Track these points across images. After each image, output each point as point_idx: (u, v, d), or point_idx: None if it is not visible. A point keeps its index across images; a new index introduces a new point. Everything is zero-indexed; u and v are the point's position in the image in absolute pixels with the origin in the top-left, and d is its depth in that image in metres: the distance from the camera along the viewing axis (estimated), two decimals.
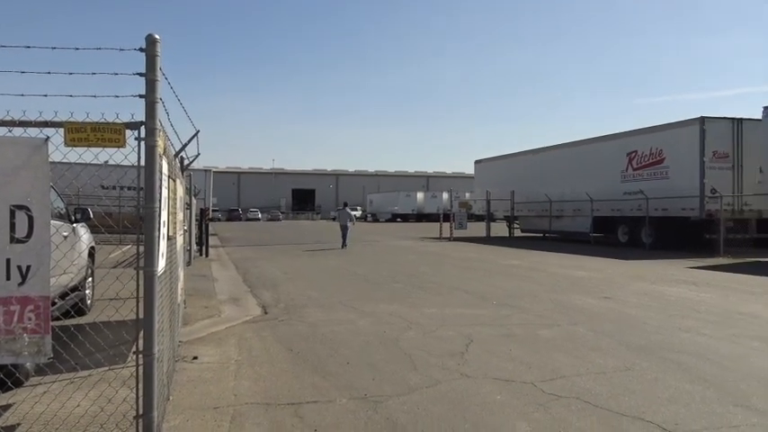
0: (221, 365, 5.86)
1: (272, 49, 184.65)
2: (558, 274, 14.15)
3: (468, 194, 48.90)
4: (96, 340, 5.39)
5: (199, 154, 8.02)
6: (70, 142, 3.31)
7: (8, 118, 3.30)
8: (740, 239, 20.45)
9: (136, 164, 3.42)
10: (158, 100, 3.39)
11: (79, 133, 3.31)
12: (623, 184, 24.05)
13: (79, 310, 7.29)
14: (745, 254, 19.38)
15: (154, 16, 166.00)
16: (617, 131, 25.35)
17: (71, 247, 7.09)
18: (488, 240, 29.06)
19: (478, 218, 36.70)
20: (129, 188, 22.14)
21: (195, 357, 6.12)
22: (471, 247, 24.72)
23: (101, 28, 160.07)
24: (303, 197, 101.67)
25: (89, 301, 8.47)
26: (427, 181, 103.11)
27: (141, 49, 3.32)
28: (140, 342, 3.48)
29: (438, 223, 32.79)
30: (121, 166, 3.62)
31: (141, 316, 3.47)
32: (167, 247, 4.42)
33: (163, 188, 3.77)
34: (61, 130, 3.31)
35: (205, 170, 33.22)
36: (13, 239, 3.25)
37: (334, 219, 69.97)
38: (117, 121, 3.39)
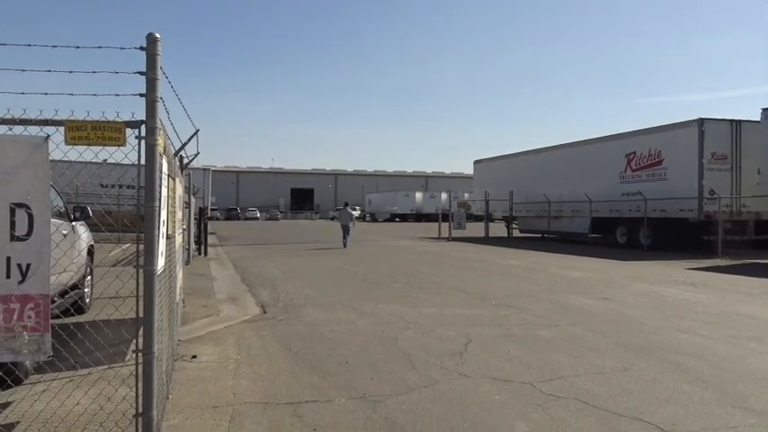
0: (220, 364, 5.87)
1: (272, 49, 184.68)
2: (557, 274, 14.17)
3: (466, 195, 48.90)
4: (96, 338, 5.39)
5: (198, 153, 8.04)
6: (71, 141, 3.31)
7: (9, 116, 3.30)
8: (738, 241, 20.48)
9: (136, 162, 3.43)
10: (159, 99, 3.39)
11: (80, 132, 3.31)
12: (622, 185, 24.07)
13: (79, 308, 7.29)
14: (743, 255, 19.40)
15: (153, 16, 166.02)
16: (616, 132, 25.44)
17: (71, 245, 7.09)
18: (487, 240, 29.08)
19: (477, 218, 36.69)
20: (128, 186, 22.12)
21: (194, 356, 6.12)
22: (470, 247, 24.73)
23: (100, 28, 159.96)
24: (302, 197, 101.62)
25: (88, 300, 8.47)
26: (426, 181, 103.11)
27: (142, 48, 3.32)
28: (140, 340, 3.48)
29: (437, 223, 32.83)
30: (122, 164, 3.63)
31: (141, 314, 3.48)
32: (166, 245, 4.42)
33: (163, 187, 3.77)
34: (62, 129, 3.31)
35: (204, 169, 33.21)
36: (13, 237, 3.25)
37: (332, 218, 70.07)
38: (117, 119, 3.39)
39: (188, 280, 11.56)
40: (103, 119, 3.36)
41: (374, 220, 72.81)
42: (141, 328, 3.49)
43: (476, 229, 33.25)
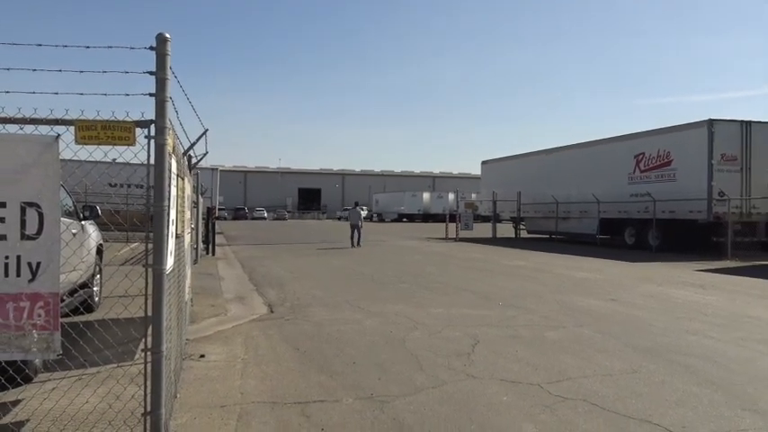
0: (228, 364, 5.88)
1: (272, 49, 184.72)
2: (564, 275, 14.12)
3: (474, 195, 48.76)
4: (105, 337, 5.41)
5: (207, 152, 8.06)
6: (81, 140, 3.32)
7: (19, 115, 3.32)
8: (748, 242, 20.35)
9: (145, 162, 3.44)
10: (168, 98, 3.41)
11: (90, 131, 3.33)
12: (630, 186, 23.96)
13: (88, 306, 7.33)
14: (752, 257, 19.26)
15: (153, 16, 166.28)
16: (623, 133, 25.33)
17: (80, 244, 7.13)
18: (494, 241, 29.02)
19: (485, 219, 36.61)
20: (137, 186, 22.22)
21: (202, 355, 6.14)
22: (477, 247, 24.68)
23: (100, 28, 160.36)
24: (309, 196, 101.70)
25: (97, 298, 8.52)
26: (433, 181, 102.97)
27: (152, 48, 3.34)
28: (148, 339, 3.49)
29: (444, 224, 32.78)
30: (131, 164, 3.64)
31: (149, 313, 3.49)
32: (176, 245, 4.43)
33: (172, 186, 3.79)
34: (72, 128, 3.32)
35: (212, 169, 33.23)
36: (23, 236, 3.27)
37: (339, 218, 70.14)
38: (127, 119, 3.40)
39: (196, 279, 11.60)
40: (113, 118, 3.38)
41: (381, 220, 72.82)
42: (150, 327, 3.50)
43: (483, 229, 33.18)
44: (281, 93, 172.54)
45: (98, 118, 3.37)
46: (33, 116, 3.34)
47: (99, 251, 8.85)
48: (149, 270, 3.48)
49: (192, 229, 9.47)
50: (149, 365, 3.48)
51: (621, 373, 5.59)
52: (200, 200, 17.97)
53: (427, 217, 66.59)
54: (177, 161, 4.35)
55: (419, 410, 4.54)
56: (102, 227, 9.06)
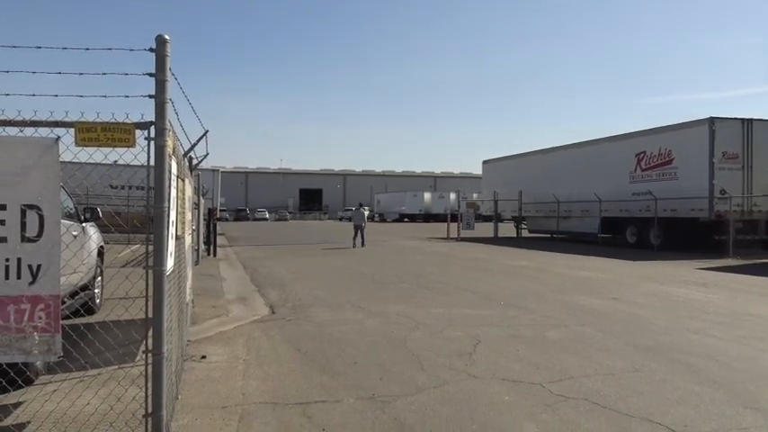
0: (229, 365, 5.88)
1: (272, 49, 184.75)
2: (566, 274, 14.11)
3: (475, 195, 48.76)
4: (106, 339, 5.42)
5: (207, 154, 8.04)
6: (81, 142, 3.33)
7: (19, 118, 3.33)
8: (749, 240, 20.30)
9: (146, 164, 3.44)
10: (168, 100, 3.41)
11: (89, 133, 3.33)
12: (632, 185, 23.94)
13: (89, 308, 7.33)
14: (754, 255, 19.24)
15: (153, 16, 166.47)
16: (624, 132, 25.30)
17: (81, 246, 7.14)
18: (496, 241, 29.00)
19: (486, 218, 36.59)
20: (138, 188, 22.26)
21: (203, 357, 6.14)
22: (479, 247, 24.67)
23: (100, 28, 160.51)
24: (311, 197, 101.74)
25: (98, 300, 8.53)
26: (435, 181, 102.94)
27: (151, 50, 3.34)
28: (149, 341, 3.50)
29: (445, 223, 32.77)
30: (131, 165, 3.64)
31: (150, 315, 3.49)
32: (176, 246, 4.44)
33: (172, 188, 3.79)
34: (72, 130, 3.33)
35: (213, 170, 33.37)
36: (23, 239, 3.28)
37: (341, 219, 70.11)
38: (127, 121, 3.41)
39: (197, 280, 11.61)
40: (113, 120, 3.38)
41: (383, 220, 72.79)
42: (151, 329, 3.51)
43: (485, 229, 33.17)
44: (281, 93, 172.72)
45: (98, 120, 3.37)
46: (33, 118, 3.34)
47: (100, 253, 8.85)
48: (150, 272, 3.48)
49: (193, 230, 9.48)
50: (150, 367, 3.48)
51: (623, 372, 5.58)
52: (202, 201, 17.99)
53: (429, 217, 66.53)
54: (177, 162, 4.35)
55: (420, 410, 4.54)
56: (102, 229, 9.06)
